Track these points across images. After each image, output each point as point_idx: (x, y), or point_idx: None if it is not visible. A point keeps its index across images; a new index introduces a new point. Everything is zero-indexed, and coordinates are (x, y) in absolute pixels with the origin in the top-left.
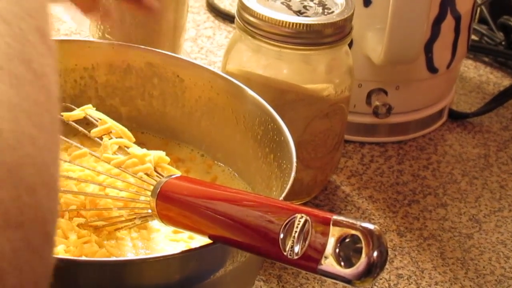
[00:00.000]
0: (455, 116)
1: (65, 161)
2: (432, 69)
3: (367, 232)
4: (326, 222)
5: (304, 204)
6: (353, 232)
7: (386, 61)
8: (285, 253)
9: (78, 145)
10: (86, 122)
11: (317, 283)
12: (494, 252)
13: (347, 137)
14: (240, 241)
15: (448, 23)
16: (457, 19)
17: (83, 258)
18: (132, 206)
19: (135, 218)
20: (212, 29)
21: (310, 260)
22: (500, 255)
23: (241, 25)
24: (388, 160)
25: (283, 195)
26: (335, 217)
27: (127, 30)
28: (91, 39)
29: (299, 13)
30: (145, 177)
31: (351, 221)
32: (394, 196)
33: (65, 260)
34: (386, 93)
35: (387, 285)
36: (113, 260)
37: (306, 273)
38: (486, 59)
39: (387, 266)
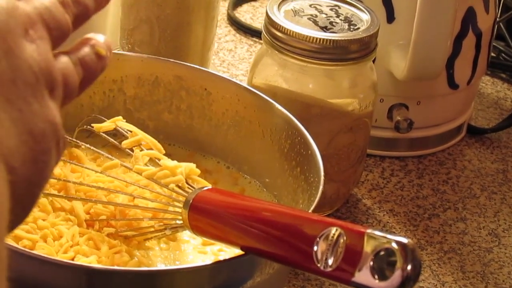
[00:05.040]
0: (474, 132)
1: (96, 172)
2: (453, 85)
3: (401, 246)
4: (360, 236)
5: (327, 216)
6: (387, 245)
7: (409, 77)
8: (318, 265)
9: (109, 156)
10: (114, 134)
11: None
12: None
13: (367, 151)
14: (273, 252)
15: (469, 40)
16: (478, 36)
17: (117, 267)
18: (161, 217)
19: (165, 229)
20: (234, 43)
21: (344, 272)
22: None
23: (268, 39)
24: (408, 174)
25: (312, 207)
26: (369, 230)
27: (156, 44)
28: (120, 51)
29: (325, 29)
30: (176, 188)
31: (385, 235)
32: (415, 210)
33: (99, 269)
34: (407, 108)
35: None
36: (146, 269)
37: (330, 285)
38: (504, 76)
39: None
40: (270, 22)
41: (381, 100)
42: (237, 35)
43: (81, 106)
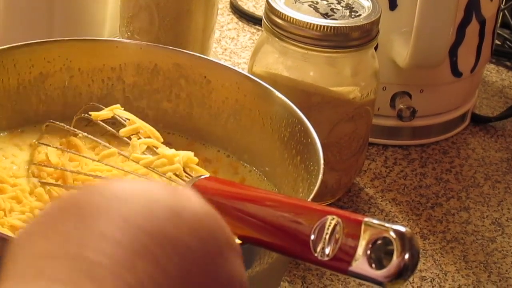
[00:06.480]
0: (478, 120)
1: (94, 160)
2: (456, 73)
3: (399, 235)
4: (357, 224)
5: (328, 206)
6: (385, 234)
7: (412, 65)
8: (315, 255)
9: (107, 144)
10: (112, 122)
11: (341, 284)
12: None
13: (370, 139)
14: (270, 242)
15: (472, 27)
16: (482, 23)
17: None
18: None
19: None
20: (236, 31)
21: (341, 262)
22: None
23: (268, 27)
24: (411, 163)
25: (311, 196)
26: (366, 219)
27: (156, 32)
28: (119, 39)
29: (326, 15)
30: (173, 177)
31: (382, 223)
32: (417, 199)
33: None
34: (410, 96)
35: (410, 287)
36: None
37: (331, 275)
38: (509, 64)
39: None
40: (270, 9)
41: (384, 88)
42: (240, 23)
43: (80, 95)
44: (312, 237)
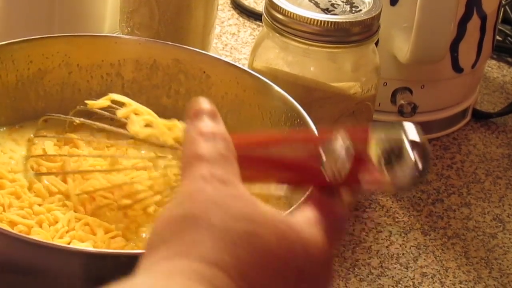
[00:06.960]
0: (479, 116)
1: (93, 156)
2: (457, 68)
3: (410, 141)
4: (365, 136)
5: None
6: (396, 144)
7: (413, 60)
8: (327, 178)
9: (106, 126)
10: (110, 118)
11: (342, 281)
12: None
13: None
14: (282, 177)
15: (474, 23)
16: (483, 19)
17: (110, 250)
18: (162, 180)
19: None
20: (237, 26)
21: (354, 176)
22: None
23: (268, 22)
24: None
25: (307, 192)
26: (374, 129)
27: (156, 27)
28: (118, 35)
29: (326, 11)
30: (176, 145)
31: (391, 135)
32: (418, 195)
33: (93, 252)
34: (411, 92)
35: (411, 283)
36: (141, 252)
37: None
38: (510, 59)
39: (411, 264)
40: (271, 4)
41: (385, 84)
42: (240, 18)
43: (79, 91)
44: (323, 158)
